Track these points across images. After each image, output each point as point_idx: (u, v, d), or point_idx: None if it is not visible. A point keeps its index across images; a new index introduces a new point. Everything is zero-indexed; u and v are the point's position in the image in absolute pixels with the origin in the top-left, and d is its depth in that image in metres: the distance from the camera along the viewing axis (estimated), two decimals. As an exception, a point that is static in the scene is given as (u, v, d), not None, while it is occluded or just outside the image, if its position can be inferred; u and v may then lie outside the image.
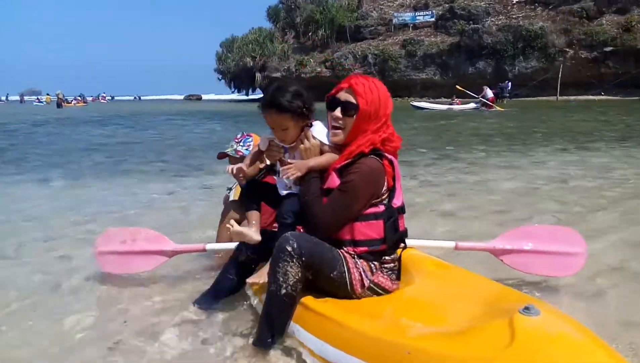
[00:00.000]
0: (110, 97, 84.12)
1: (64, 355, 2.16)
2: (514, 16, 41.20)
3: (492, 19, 41.44)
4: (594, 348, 1.39)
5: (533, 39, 38.30)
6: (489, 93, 25.54)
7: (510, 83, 32.95)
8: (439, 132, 14.55)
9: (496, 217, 4.44)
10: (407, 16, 46.96)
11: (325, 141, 2.15)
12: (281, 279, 1.92)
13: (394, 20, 46.93)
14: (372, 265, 2.11)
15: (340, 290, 2.04)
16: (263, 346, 2.03)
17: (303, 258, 1.92)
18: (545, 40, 37.93)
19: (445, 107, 25.91)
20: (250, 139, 3.13)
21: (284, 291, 1.93)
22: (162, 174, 7.40)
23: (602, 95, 33.95)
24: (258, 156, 2.32)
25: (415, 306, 2.03)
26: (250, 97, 63.19)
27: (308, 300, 2.04)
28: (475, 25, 41.00)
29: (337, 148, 2.17)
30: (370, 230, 2.07)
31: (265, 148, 2.24)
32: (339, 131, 2.12)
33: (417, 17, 46.31)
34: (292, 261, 1.91)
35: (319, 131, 2.16)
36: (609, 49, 35.77)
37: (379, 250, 2.10)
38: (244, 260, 2.44)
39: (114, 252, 2.92)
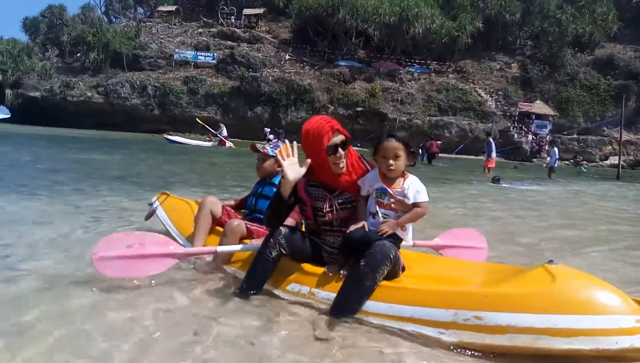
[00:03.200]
0: None
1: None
2: (287, 71, 46.02)
3: (269, 70, 45.41)
4: (601, 281, 2.28)
5: (302, 93, 43.39)
6: (224, 131, 28.12)
7: (282, 130, 36.88)
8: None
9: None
10: (188, 54, 47.44)
11: (424, 199, 2.67)
12: (379, 278, 2.47)
13: (175, 56, 46.86)
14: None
15: (390, 276, 2.58)
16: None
17: (394, 262, 2.51)
18: (312, 96, 43.39)
19: (200, 143, 27.35)
20: (279, 145, 3.39)
21: (376, 286, 2.48)
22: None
23: (358, 146, 40.60)
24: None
25: (437, 277, 2.77)
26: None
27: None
28: (254, 74, 44.21)
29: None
30: None
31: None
32: (343, 161, 2.75)
33: (199, 57, 47.27)
34: (389, 265, 2.49)
35: (420, 190, 2.69)
36: (359, 108, 43.26)
37: None
38: (274, 257, 2.72)
39: (119, 257, 2.80)
